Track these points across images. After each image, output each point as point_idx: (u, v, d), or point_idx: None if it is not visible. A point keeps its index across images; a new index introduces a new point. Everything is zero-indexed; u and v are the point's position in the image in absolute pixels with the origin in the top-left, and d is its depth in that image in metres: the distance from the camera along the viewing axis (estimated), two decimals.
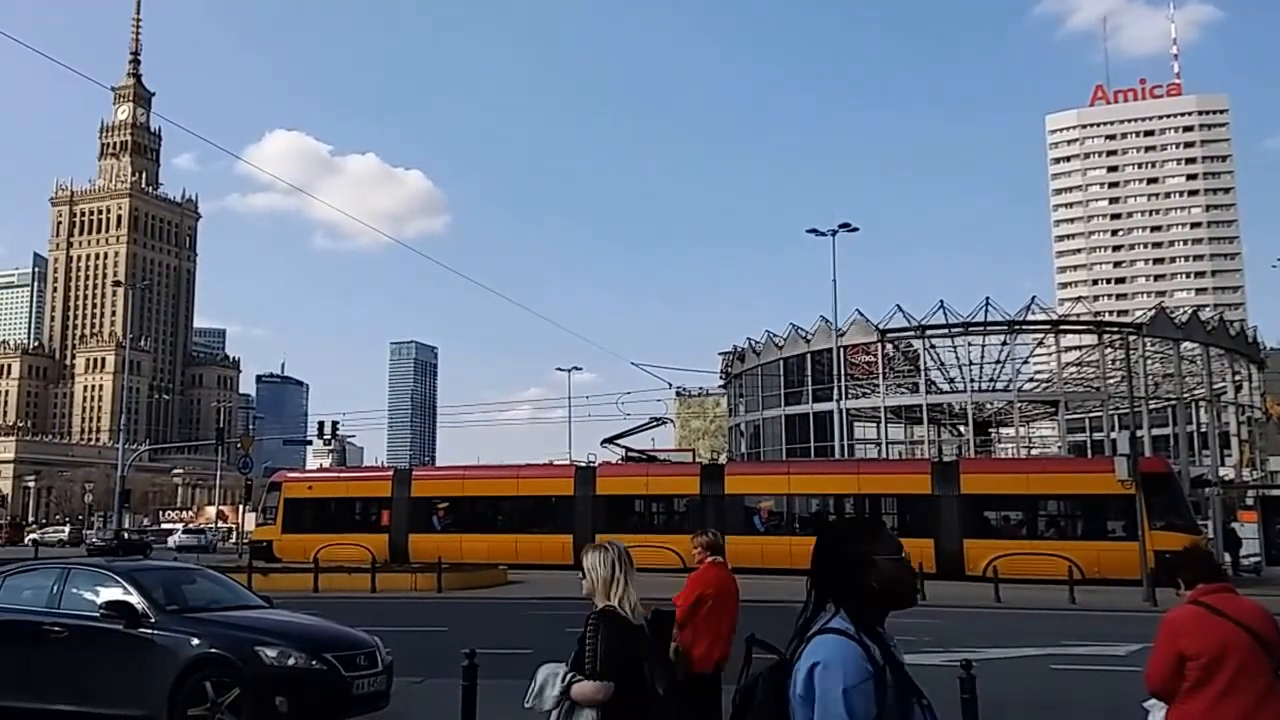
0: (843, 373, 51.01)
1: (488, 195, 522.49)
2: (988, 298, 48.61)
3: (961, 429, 62.39)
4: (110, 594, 8.82)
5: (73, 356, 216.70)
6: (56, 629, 8.79)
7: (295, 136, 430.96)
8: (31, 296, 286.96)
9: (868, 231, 42.98)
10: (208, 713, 7.98)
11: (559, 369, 74.48)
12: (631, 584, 4.24)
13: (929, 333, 50.88)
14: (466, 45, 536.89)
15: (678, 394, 69.70)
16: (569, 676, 3.95)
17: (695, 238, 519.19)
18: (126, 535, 61.49)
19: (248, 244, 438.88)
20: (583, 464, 39.65)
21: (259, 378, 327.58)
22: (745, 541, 29.37)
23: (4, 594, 9.35)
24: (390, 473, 38.95)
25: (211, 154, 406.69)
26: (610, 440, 38.22)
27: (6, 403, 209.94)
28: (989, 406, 58.61)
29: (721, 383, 74.02)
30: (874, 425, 61.57)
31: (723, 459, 72.69)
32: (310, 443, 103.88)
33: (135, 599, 8.67)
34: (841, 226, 41.54)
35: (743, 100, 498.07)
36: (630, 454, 38.21)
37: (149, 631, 8.46)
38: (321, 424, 64.64)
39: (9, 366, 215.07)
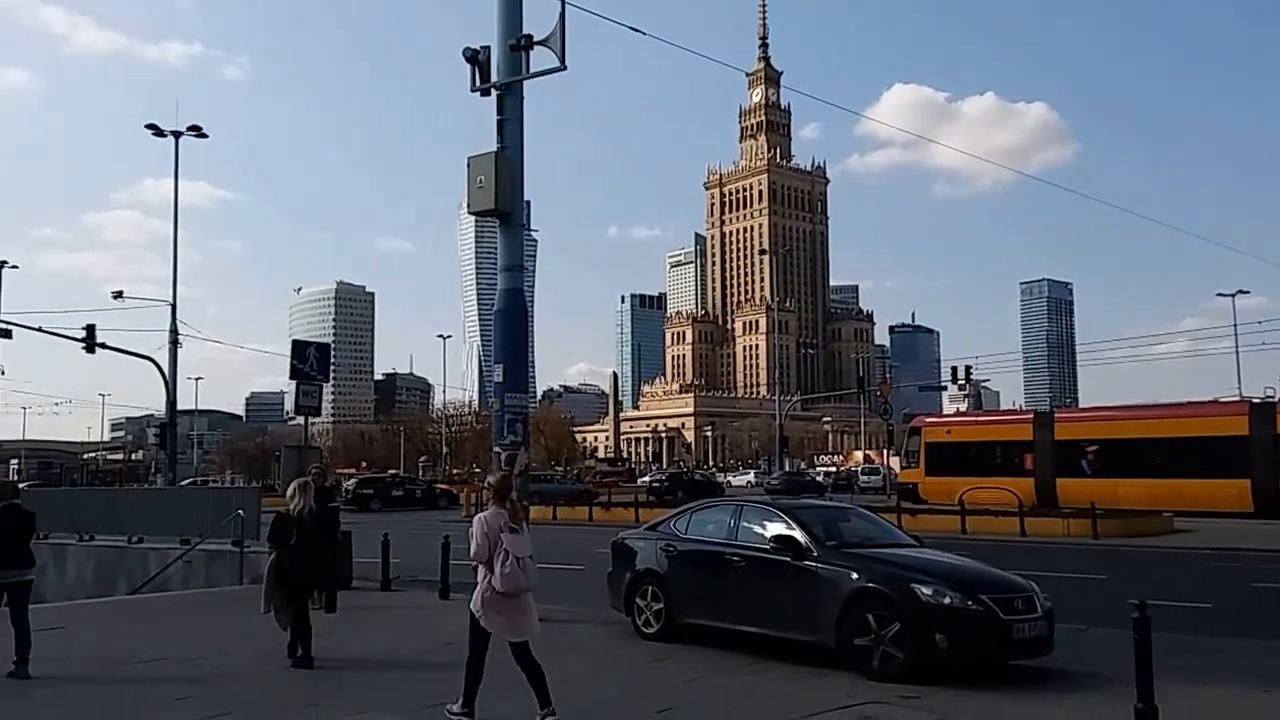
0: None
1: (1119, 118, 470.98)
2: None
3: None
4: (776, 529, 9.64)
5: (731, 321, 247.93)
6: (736, 558, 9.86)
7: (911, 89, 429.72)
8: (696, 271, 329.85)
9: None
10: (872, 643, 8.37)
11: (1220, 294, 64.90)
12: (306, 497, 9.15)
13: None
14: None
15: None
16: (270, 546, 9.08)
17: None
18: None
19: (871, 201, 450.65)
20: (1258, 400, 34.37)
21: (891, 328, 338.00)
22: None
23: (693, 526, 10.81)
24: (1030, 416, 38.13)
25: (833, 120, 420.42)
26: None
27: (684, 364, 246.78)
28: None
29: None
30: None
31: None
32: (945, 388, 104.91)
33: (799, 534, 9.38)
34: None
35: None
36: None
37: (812, 564, 9.10)
38: (955, 369, 65.33)
39: (684, 334, 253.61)
